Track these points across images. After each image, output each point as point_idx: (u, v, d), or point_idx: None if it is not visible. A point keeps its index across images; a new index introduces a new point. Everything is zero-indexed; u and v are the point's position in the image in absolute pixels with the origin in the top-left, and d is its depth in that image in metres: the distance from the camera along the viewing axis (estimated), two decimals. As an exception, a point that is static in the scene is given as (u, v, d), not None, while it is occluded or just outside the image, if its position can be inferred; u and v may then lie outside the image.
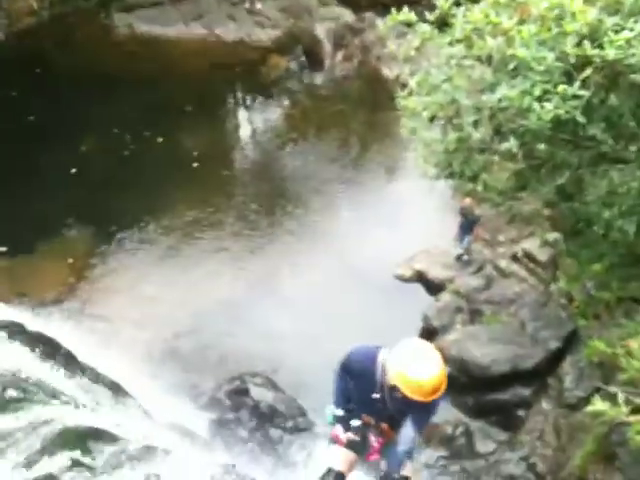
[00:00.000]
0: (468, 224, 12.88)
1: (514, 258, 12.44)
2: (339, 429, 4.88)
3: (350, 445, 4.87)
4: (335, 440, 4.92)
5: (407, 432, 4.53)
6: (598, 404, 4.40)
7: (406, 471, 4.79)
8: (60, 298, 12.20)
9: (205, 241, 13.97)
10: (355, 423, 4.84)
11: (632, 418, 4.19)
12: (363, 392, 4.65)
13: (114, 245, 13.76)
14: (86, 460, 5.37)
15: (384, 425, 4.82)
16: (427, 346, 4.45)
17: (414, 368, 4.23)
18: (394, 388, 4.35)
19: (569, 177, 6.03)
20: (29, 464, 5.10)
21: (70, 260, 13.14)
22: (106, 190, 14.67)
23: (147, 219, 14.44)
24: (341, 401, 4.88)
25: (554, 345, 10.40)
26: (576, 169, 6.01)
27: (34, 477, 4.96)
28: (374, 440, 4.85)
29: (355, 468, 5.00)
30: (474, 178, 6.34)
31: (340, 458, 4.88)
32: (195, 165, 16.03)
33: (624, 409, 4.24)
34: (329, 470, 4.86)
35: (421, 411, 4.48)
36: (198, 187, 15.36)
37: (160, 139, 16.78)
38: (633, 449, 7.23)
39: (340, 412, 4.85)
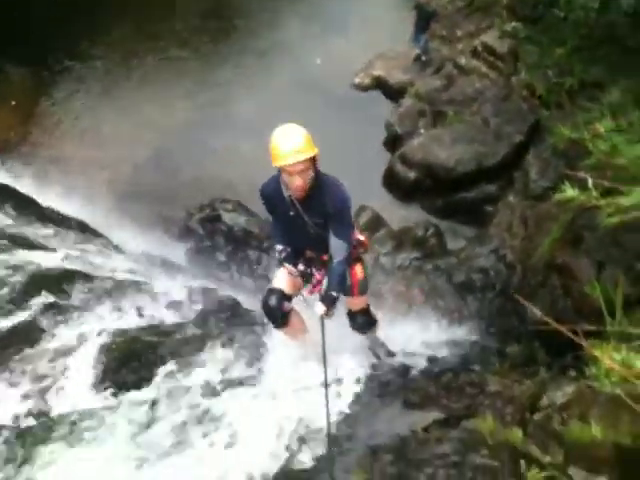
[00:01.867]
0: (424, 21, 12.33)
1: (473, 53, 12.03)
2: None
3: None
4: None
5: (334, 243, 4.61)
6: (568, 190, 4.34)
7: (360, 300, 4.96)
8: (9, 144, 11.59)
9: (153, 68, 13.28)
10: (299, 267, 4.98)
11: (602, 201, 4.15)
12: (284, 217, 4.72)
13: (57, 81, 13.02)
14: (62, 301, 5.34)
15: (324, 256, 4.90)
16: (291, 124, 4.45)
17: (277, 136, 4.34)
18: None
19: (526, -48, 5.63)
20: (3, 313, 5.04)
21: (13, 102, 12.42)
22: (37, 23, 13.61)
23: (88, 50, 13.59)
24: (279, 236, 4.98)
25: (518, 139, 10.35)
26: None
27: (10, 325, 4.91)
28: (316, 273, 4.99)
29: (300, 291, 5.08)
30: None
31: (282, 278, 5.02)
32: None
33: (594, 193, 4.19)
34: (270, 289, 5.00)
35: (336, 211, 4.53)
36: (136, 9, 14.35)
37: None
38: (598, 232, 7.44)
39: (280, 246, 4.94)
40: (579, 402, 4.41)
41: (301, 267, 4.99)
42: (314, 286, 5.01)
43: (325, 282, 4.82)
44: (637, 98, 5.45)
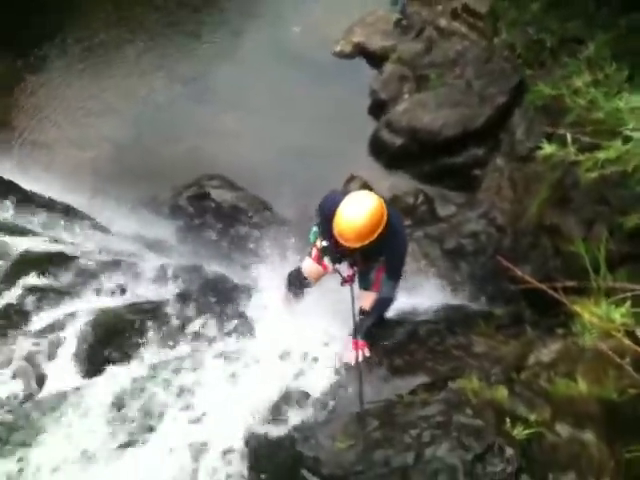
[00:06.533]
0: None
1: (454, 15, 11.86)
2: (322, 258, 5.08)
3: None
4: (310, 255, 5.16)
5: (386, 283, 4.74)
6: (547, 147, 4.35)
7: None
8: (-11, 131, 11.53)
9: (130, 51, 13.01)
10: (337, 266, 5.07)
11: (581, 157, 4.14)
12: (333, 238, 4.68)
13: (36, 67, 12.78)
14: (45, 284, 5.33)
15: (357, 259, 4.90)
16: (365, 193, 4.51)
17: (344, 206, 4.34)
18: None
19: None
20: (-15, 297, 5.03)
21: (-7, 88, 12.29)
22: (13, 9, 13.36)
23: (62, 29, 13.30)
24: (324, 234, 4.97)
25: (502, 100, 10.24)
26: None
27: (-6, 308, 4.90)
28: (347, 269, 5.02)
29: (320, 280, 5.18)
30: None
31: (308, 266, 5.14)
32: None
33: (572, 149, 4.19)
34: (298, 272, 5.20)
35: (391, 258, 4.64)
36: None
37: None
38: (585, 190, 7.42)
39: (325, 243, 4.93)
40: (565, 359, 4.44)
41: (337, 265, 5.04)
42: (345, 280, 4.99)
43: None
44: (614, 51, 5.39)
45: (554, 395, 4.08)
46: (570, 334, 4.42)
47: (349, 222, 4.24)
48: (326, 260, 5.02)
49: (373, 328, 4.80)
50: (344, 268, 5.07)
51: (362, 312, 5.00)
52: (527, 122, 9.70)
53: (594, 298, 3.28)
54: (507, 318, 5.96)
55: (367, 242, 4.31)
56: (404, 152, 10.64)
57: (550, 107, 7.83)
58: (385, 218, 4.34)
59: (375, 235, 4.29)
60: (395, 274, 4.68)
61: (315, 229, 5.06)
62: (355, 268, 4.99)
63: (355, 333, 4.68)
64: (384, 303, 4.78)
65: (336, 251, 4.84)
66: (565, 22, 6.82)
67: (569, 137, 4.18)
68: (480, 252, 8.88)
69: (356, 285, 5.03)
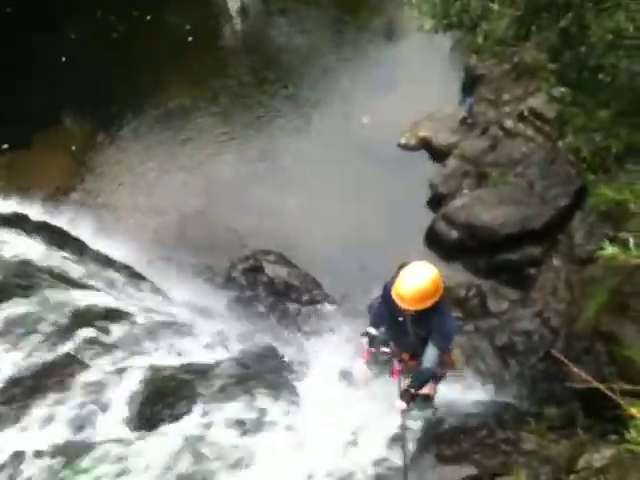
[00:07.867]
0: (470, 83, 12.50)
1: (520, 117, 12.05)
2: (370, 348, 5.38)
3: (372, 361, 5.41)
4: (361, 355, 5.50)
5: (429, 352, 4.82)
6: (609, 249, 4.34)
7: (427, 389, 5.17)
8: (64, 189, 12.12)
9: (203, 121, 13.72)
10: (384, 349, 5.32)
11: (643, 261, 4.12)
12: (392, 316, 4.97)
13: (114, 131, 13.56)
14: (103, 338, 5.46)
15: (405, 355, 5.20)
16: (424, 263, 4.73)
17: (405, 274, 4.59)
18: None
19: (572, 19, 5.72)
20: (45, 347, 5.19)
21: (73, 147, 13.05)
22: (99, 76, 14.26)
23: (144, 102, 14.15)
24: (376, 323, 5.30)
25: (563, 202, 10.26)
26: (579, 8, 5.69)
27: (52, 358, 5.04)
28: (396, 364, 5.28)
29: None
30: (473, 28, 6.06)
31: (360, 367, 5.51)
32: (190, 39, 15.70)
33: (635, 252, 4.17)
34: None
35: (438, 329, 4.77)
36: (194, 63, 14.98)
37: (148, 17, 16.26)
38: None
39: (373, 331, 5.28)
40: (618, 466, 4.29)
41: (386, 350, 5.29)
42: (392, 373, 5.29)
43: (405, 380, 5.06)
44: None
45: (604, 502, 3.94)
46: (624, 441, 4.29)
47: (409, 285, 4.44)
48: (380, 348, 5.19)
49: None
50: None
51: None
52: (587, 226, 9.66)
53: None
54: (558, 419, 5.80)
55: (423, 306, 4.43)
56: (459, 245, 10.67)
57: (612, 212, 7.80)
58: (441, 288, 4.51)
59: (431, 301, 4.43)
60: (440, 342, 4.74)
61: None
62: (400, 365, 5.26)
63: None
64: (424, 373, 4.84)
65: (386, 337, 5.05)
66: (633, 130, 6.86)
67: (632, 241, 4.18)
68: (531, 352, 8.71)
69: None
